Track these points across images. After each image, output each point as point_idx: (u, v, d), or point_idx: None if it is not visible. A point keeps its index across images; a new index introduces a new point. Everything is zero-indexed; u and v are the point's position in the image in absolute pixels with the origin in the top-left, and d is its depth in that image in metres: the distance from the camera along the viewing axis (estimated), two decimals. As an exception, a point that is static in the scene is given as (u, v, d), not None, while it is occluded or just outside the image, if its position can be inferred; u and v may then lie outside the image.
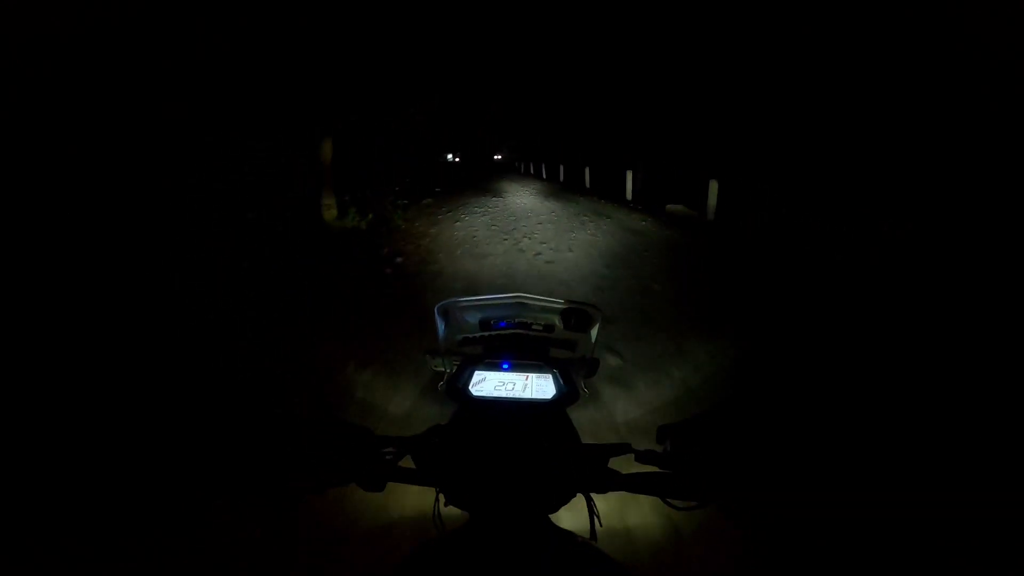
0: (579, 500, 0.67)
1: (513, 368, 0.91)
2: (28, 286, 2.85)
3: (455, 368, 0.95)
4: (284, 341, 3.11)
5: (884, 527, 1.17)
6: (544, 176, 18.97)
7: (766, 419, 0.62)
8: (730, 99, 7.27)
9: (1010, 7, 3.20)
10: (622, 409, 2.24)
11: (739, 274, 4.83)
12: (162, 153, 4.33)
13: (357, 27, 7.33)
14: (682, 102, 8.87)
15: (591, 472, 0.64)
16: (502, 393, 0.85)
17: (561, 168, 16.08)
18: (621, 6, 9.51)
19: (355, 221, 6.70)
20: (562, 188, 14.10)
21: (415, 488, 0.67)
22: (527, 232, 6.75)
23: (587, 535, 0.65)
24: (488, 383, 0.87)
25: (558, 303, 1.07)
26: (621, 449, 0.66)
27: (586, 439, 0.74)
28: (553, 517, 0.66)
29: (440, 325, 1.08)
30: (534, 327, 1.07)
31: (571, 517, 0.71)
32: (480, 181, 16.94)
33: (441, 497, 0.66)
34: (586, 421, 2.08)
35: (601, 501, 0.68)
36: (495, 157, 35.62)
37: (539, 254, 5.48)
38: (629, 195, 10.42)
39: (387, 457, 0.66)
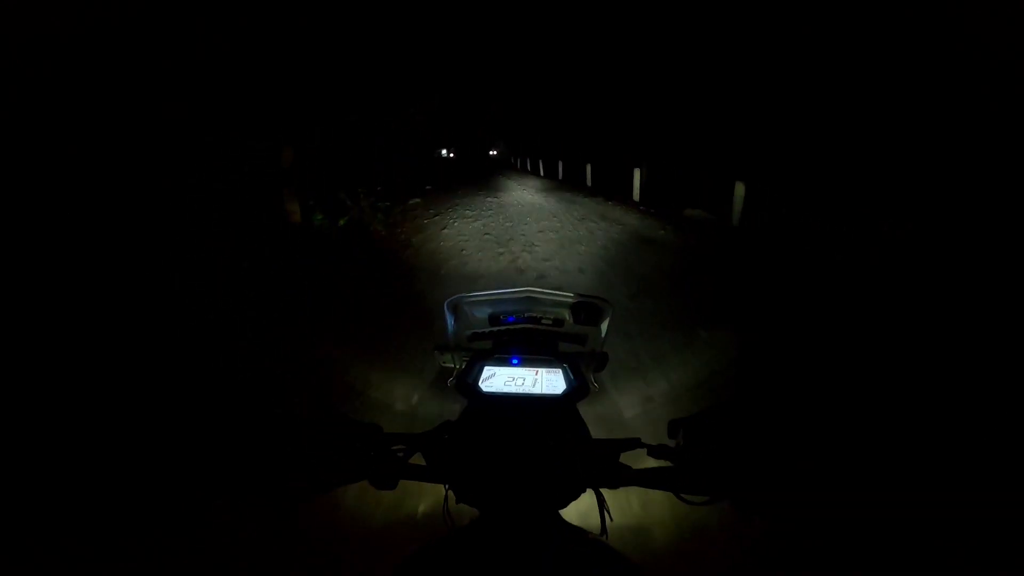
0: (589, 496, 0.66)
1: (523, 363, 0.90)
2: (29, 286, 2.85)
3: (464, 364, 0.94)
4: (284, 341, 3.11)
5: (899, 527, 1.16)
6: (541, 172, 17.85)
7: (779, 414, 0.62)
8: (757, 92, 6.42)
9: (1010, 7, 3.20)
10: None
11: (797, 301, 3.63)
12: (161, 153, 4.33)
13: (357, 27, 7.34)
14: (699, 95, 7.98)
15: (601, 467, 0.64)
16: (512, 388, 0.84)
17: (560, 164, 14.94)
18: None
19: (324, 224, 6.27)
20: (561, 186, 13.13)
21: (424, 486, 0.66)
22: (526, 243, 5.73)
23: (597, 531, 0.65)
24: (498, 378, 0.86)
25: (568, 296, 1.06)
26: (631, 444, 0.65)
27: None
28: (563, 513, 0.65)
29: (449, 320, 1.07)
30: (543, 321, 1.06)
31: (581, 513, 0.71)
32: (474, 178, 16.05)
33: (451, 494, 0.66)
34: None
35: (612, 497, 0.67)
36: (491, 153, 35.11)
37: (543, 276, 4.39)
38: (636, 195, 9.40)
39: (398, 455, 0.66)
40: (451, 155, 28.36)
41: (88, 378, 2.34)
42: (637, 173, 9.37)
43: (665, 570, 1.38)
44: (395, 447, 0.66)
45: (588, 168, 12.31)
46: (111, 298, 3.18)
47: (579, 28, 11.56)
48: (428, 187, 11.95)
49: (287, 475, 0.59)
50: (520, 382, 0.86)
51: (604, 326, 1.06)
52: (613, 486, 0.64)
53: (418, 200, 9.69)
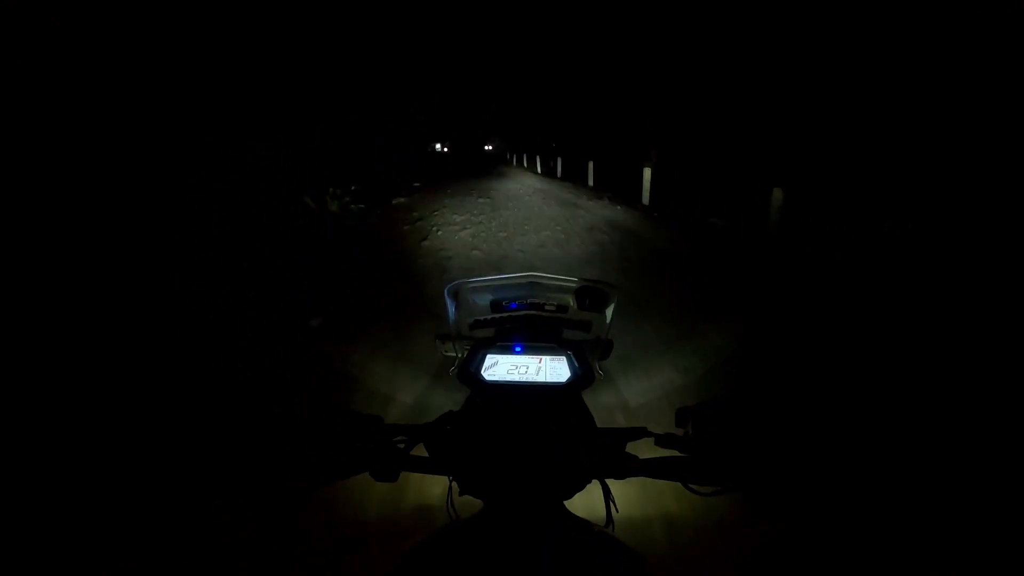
0: (595, 486, 0.65)
1: (526, 351, 0.88)
2: (30, 286, 2.84)
3: (467, 352, 0.92)
4: (284, 341, 3.10)
5: (905, 525, 1.15)
6: (539, 170, 16.74)
7: (788, 405, 0.60)
8: (790, 82, 5.59)
9: (1010, 7, 3.20)
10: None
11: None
12: (161, 153, 4.33)
13: (358, 27, 7.34)
14: (718, 87, 7.13)
15: (607, 457, 0.63)
16: (515, 377, 0.82)
17: (559, 161, 13.92)
18: None
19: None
20: (561, 185, 11.95)
21: (428, 478, 0.65)
22: (524, 264, 4.64)
23: (603, 522, 0.64)
24: (501, 367, 0.84)
25: (572, 281, 1.04)
26: (638, 433, 0.64)
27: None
28: (569, 504, 0.64)
29: (450, 307, 1.04)
30: (547, 307, 1.03)
31: (587, 504, 0.69)
32: (467, 175, 14.81)
33: (454, 485, 0.65)
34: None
35: (618, 487, 0.66)
36: (486, 148, 34.25)
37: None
38: (646, 198, 8.36)
39: (399, 446, 0.64)
40: (445, 149, 27.96)
41: (88, 378, 2.34)
42: (647, 173, 8.37)
43: (671, 562, 1.37)
44: (396, 439, 0.65)
45: (590, 166, 11.35)
46: (111, 298, 3.18)
47: (585, 14, 10.76)
48: (416, 184, 11.14)
49: (288, 470, 0.59)
50: (524, 370, 0.84)
51: (609, 312, 1.03)
52: (619, 476, 0.62)
53: (402, 200, 8.69)
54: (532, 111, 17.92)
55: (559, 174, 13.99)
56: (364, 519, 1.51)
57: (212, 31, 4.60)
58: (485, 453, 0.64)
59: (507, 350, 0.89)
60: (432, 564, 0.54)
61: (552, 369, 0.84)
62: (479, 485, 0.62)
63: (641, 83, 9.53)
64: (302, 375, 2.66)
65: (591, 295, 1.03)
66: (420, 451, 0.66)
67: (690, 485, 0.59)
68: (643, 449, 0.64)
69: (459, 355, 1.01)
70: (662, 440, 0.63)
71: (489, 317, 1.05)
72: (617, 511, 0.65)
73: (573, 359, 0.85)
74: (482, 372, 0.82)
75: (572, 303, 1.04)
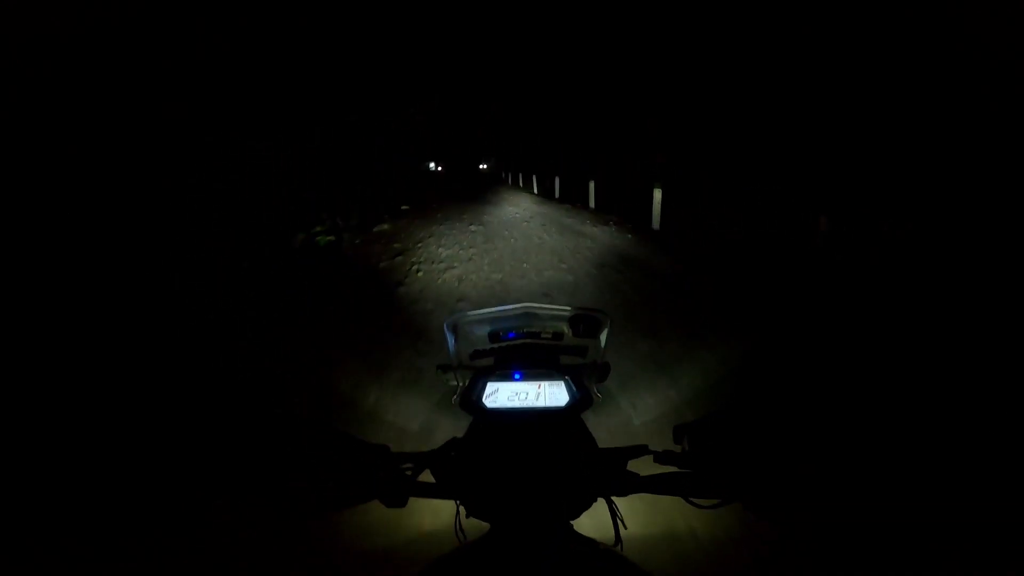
0: (601, 506, 0.67)
1: (525, 377, 0.92)
2: (30, 286, 2.85)
3: (467, 381, 0.95)
4: (284, 341, 3.11)
5: (907, 530, 1.15)
6: (535, 190, 15.89)
7: (783, 416, 0.62)
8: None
9: (1010, 7, 3.21)
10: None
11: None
12: (161, 153, 4.33)
13: (358, 28, 7.35)
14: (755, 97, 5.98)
15: (611, 476, 0.65)
16: (516, 403, 0.85)
17: (556, 181, 13.23)
18: None
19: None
20: (560, 208, 10.93)
21: (434, 503, 0.67)
22: None
23: (611, 541, 0.65)
24: (501, 394, 0.88)
25: (565, 310, 1.08)
26: (639, 451, 0.67)
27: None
28: (577, 523, 0.66)
29: (450, 340, 1.08)
30: (543, 336, 1.07)
31: (594, 523, 0.71)
32: (460, 196, 14.02)
33: (461, 508, 0.67)
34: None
35: (626, 506, 0.68)
36: (480, 167, 34.07)
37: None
38: (656, 221, 7.34)
39: (406, 473, 0.67)
40: (439, 168, 27.83)
41: (89, 378, 2.34)
42: (657, 194, 7.35)
43: None
44: (404, 466, 0.68)
45: (591, 185, 10.38)
46: (112, 298, 3.19)
47: (593, 17, 10.24)
48: (404, 207, 10.35)
49: (299, 495, 0.61)
50: (523, 396, 0.87)
51: (603, 337, 1.07)
52: (622, 493, 0.64)
53: (385, 227, 7.88)
54: (529, 123, 17.66)
55: (557, 194, 13.08)
56: (373, 544, 1.50)
57: (212, 31, 4.61)
58: (491, 477, 0.66)
59: (507, 377, 0.92)
60: None
61: (551, 394, 0.87)
62: (486, 507, 0.64)
63: (651, 87, 8.77)
64: (302, 375, 2.67)
65: (585, 322, 1.07)
66: (426, 477, 0.68)
67: (691, 499, 0.61)
68: (644, 467, 0.66)
69: (460, 384, 1.05)
70: (661, 457, 0.66)
71: (488, 347, 1.09)
72: (625, 528, 0.66)
73: (571, 383, 0.87)
74: (484, 400, 0.85)
75: (567, 330, 1.08)
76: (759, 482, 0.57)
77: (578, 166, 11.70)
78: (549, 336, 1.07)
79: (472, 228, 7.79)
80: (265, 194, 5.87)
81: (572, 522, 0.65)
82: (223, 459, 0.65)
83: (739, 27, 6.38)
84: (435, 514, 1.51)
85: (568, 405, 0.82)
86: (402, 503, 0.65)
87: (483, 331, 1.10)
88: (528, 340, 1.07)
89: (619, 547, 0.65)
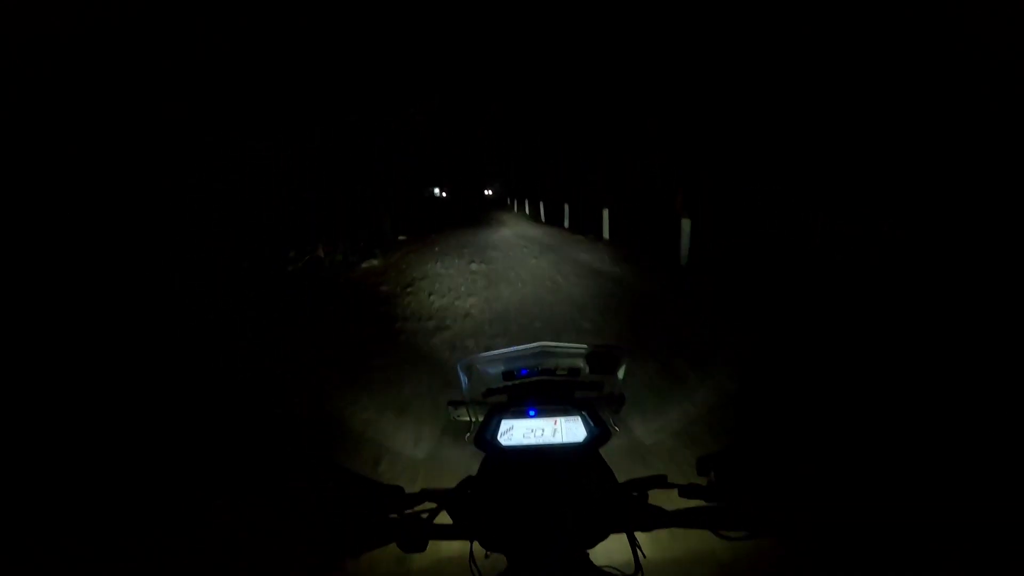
0: (621, 534, 0.67)
1: (540, 414, 0.90)
2: (31, 286, 2.84)
3: (480, 418, 0.94)
4: (284, 341, 3.10)
5: (938, 557, 1.13)
6: (543, 218, 15.12)
7: (807, 446, 0.62)
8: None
9: (1010, 7, 3.20)
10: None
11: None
12: (161, 153, 4.33)
13: (358, 27, 7.34)
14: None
15: (633, 511, 0.65)
16: (532, 440, 0.84)
17: (566, 208, 12.32)
18: None
19: None
20: (571, 240, 9.87)
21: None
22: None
23: (630, 570, 0.65)
24: (516, 431, 0.86)
25: (581, 348, 1.06)
26: (657, 482, 0.66)
27: None
28: (595, 552, 0.65)
29: (463, 380, 1.07)
30: (558, 372, 1.06)
31: (614, 550, 0.70)
32: (462, 224, 13.67)
33: (476, 545, 0.66)
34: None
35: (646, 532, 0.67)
36: (486, 192, 33.82)
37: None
38: (684, 255, 6.44)
39: (422, 515, 0.66)
40: (444, 194, 27.03)
41: (89, 378, 2.34)
42: (686, 225, 6.40)
43: None
44: (419, 507, 0.67)
45: (605, 214, 9.48)
46: (112, 298, 3.18)
47: (594, 19, 9.71)
48: (402, 237, 9.85)
49: (317, 543, 0.61)
50: (539, 433, 0.85)
51: (621, 372, 1.06)
52: (647, 528, 0.64)
53: (375, 263, 7.09)
54: (532, 115, 17.33)
55: (567, 224, 12.12)
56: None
57: (212, 31, 4.61)
58: (511, 516, 0.65)
59: (521, 414, 0.91)
60: None
61: (568, 430, 0.86)
62: (504, 544, 0.64)
63: (669, 102, 8.00)
64: (302, 375, 2.67)
65: (603, 358, 1.05)
66: (442, 517, 0.68)
67: (720, 532, 0.60)
68: (664, 498, 0.65)
69: (474, 419, 1.04)
70: (687, 491, 0.65)
71: (501, 385, 1.07)
72: (644, 557, 0.66)
73: (588, 419, 0.86)
74: (498, 438, 0.84)
75: (583, 366, 1.06)
76: (792, 516, 0.56)
77: (588, 191, 10.96)
78: (565, 372, 1.06)
79: (473, 267, 6.70)
80: (265, 194, 5.86)
81: (591, 550, 0.65)
82: (223, 459, 0.65)
83: (740, 28, 6.36)
84: (447, 547, 1.48)
85: (586, 441, 0.80)
86: (422, 547, 0.63)
87: (497, 370, 1.08)
88: (543, 377, 1.05)
89: None
